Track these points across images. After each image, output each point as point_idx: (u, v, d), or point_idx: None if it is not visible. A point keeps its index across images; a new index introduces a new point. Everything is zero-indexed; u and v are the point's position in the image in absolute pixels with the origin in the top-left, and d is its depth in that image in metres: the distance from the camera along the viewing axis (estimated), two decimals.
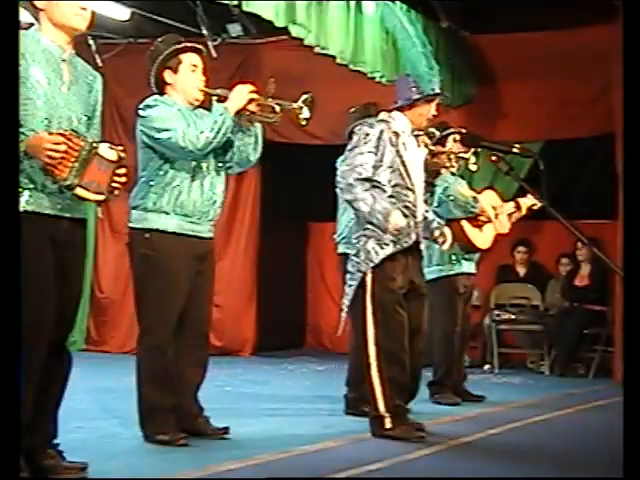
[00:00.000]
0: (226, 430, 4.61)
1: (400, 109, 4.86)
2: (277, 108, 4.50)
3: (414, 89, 4.83)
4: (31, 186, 3.39)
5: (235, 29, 9.31)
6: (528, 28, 8.72)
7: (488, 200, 6.46)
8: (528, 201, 6.42)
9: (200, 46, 4.65)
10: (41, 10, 3.55)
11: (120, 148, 3.53)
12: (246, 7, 6.33)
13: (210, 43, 9.57)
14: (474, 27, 9.08)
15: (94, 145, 3.42)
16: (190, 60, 4.57)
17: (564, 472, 4.15)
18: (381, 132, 4.74)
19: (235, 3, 6.41)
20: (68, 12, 3.52)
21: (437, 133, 6.15)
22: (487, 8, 8.77)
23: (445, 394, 6.29)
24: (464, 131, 6.15)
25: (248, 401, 6.20)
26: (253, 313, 9.71)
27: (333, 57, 7.18)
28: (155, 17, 9.18)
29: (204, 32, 9.44)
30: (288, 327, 10.53)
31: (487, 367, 8.77)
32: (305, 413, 5.63)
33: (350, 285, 4.83)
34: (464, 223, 6.21)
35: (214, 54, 9.67)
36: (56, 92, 3.49)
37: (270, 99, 4.51)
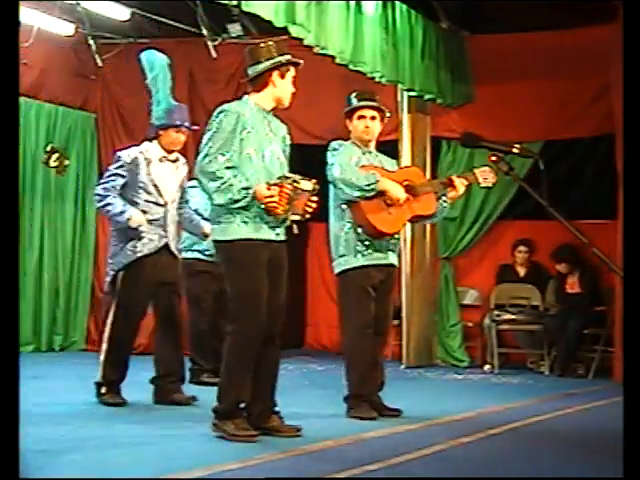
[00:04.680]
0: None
1: (153, 139, 6.00)
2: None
3: (157, 123, 5.97)
4: (257, 219, 4.62)
5: (235, 29, 9.31)
6: (528, 28, 8.72)
7: (409, 177, 5.70)
8: (463, 181, 5.70)
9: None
10: (272, 83, 4.82)
11: (314, 181, 4.71)
12: (246, 7, 6.33)
13: (210, 43, 9.58)
14: (474, 27, 9.09)
15: (296, 186, 4.60)
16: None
17: (564, 472, 4.15)
18: (135, 157, 5.87)
19: (235, 3, 6.41)
20: (287, 93, 4.85)
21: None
22: (487, 8, 8.77)
23: (359, 408, 5.50)
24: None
25: None
26: None
27: (333, 57, 7.17)
28: (155, 17, 9.18)
29: (204, 32, 9.45)
30: (288, 327, 10.48)
31: (487, 367, 8.76)
32: (305, 413, 5.62)
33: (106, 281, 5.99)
34: (364, 204, 5.47)
35: (214, 54, 9.68)
36: (267, 143, 4.74)
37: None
